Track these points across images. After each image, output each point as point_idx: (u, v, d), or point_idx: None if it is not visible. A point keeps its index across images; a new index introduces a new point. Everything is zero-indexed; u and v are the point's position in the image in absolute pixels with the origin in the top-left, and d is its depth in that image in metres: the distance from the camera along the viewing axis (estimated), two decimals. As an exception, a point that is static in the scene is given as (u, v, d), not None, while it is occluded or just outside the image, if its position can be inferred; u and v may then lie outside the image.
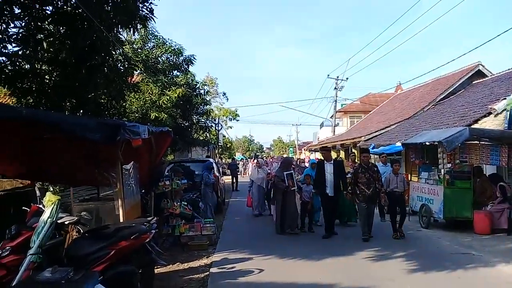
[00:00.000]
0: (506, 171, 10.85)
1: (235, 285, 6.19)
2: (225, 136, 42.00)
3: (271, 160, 21.50)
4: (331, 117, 36.27)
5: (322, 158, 10.35)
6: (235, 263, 7.42)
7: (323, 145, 11.52)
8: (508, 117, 10.75)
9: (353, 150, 19.23)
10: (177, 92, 13.43)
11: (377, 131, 21.18)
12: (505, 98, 12.18)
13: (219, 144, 25.60)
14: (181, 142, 15.48)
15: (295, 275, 6.60)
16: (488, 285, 5.87)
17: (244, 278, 6.52)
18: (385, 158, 12.21)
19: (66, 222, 5.83)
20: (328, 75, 33.16)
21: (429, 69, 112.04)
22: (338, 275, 6.51)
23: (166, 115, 12.93)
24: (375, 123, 25.40)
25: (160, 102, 12.94)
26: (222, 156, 41.54)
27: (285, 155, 29.79)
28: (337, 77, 33.11)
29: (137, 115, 12.64)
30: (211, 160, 16.45)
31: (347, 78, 33.27)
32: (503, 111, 11.80)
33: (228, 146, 43.78)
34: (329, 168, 9.64)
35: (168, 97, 13.13)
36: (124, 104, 10.46)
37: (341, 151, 23.46)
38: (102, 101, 8.80)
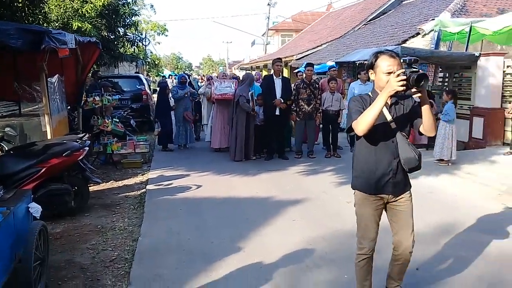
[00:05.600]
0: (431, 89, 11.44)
1: (173, 201, 6.19)
2: (152, 53, 40.04)
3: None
4: (263, 35, 35.73)
5: (271, 73, 9.25)
6: (171, 180, 7.39)
7: (277, 57, 10.04)
8: (435, 38, 11.15)
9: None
10: (102, 0, 12.27)
11: (308, 50, 21.27)
12: (433, 19, 12.52)
13: (147, 60, 24.31)
14: (107, 56, 14.47)
15: (233, 190, 6.73)
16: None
17: (182, 194, 6.54)
18: (367, 75, 10.39)
19: (-14, 139, 5.36)
20: (261, -10, 32.10)
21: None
22: (273, 189, 6.73)
23: (90, 26, 11.84)
24: (306, 42, 25.42)
25: (83, 10, 11.79)
26: (149, 73, 39.90)
27: (214, 74, 29.03)
28: (271, -8, 32.20)
29: (57, 24, 11.45)
30: (141, 76, 15.75)
31: (280, -6, 32.43)
32: (430, 31, 12.20)
33: (156, 63, 41.92)
34: (278, 85, 8.81)
35: (92, 5, 11.97)
36: (43, 11, 9.41)
37: (285, 69, 22.79)
38: (18, 5, 7.81)
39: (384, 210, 3.10)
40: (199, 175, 7.72)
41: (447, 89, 9.34)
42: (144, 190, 6.79)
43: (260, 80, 10.62)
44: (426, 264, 4.01)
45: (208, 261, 4.12)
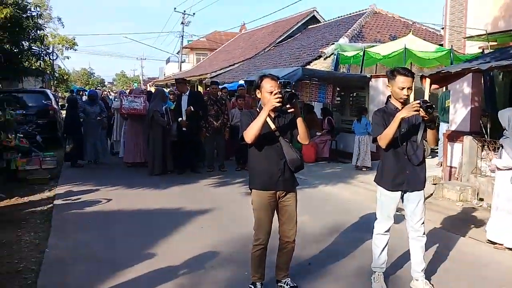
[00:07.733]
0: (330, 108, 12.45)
1: (82, 215, 6.20)
2: (61, 67, 38.32)
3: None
4: (177, 53, 35.90)
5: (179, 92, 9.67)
6: (80, 194, 7.35)
7: (178, 78, 10.54)
8: (335, 60, 12.24)
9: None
10: (4, 13, 11.74)
11: (222, 68, 21.92)
12: (333, 43, 13.73)
13: (55, 75, 23.24)
14: (10, 71, 13.80)
15: (143, 203, 6.86)
16: (311, 200, 6.98)
17: (91, 208, 6.56)
18: None
19: None
20: (175, 9, 32.47)
21: (273, 10, 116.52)
22: (184, 200, 6.97)
23: (-10, 39, 11.34)
24: (220, 61, 26.08)
25: (-17, 22, 11.24)
26: (58, 88, 38.03)
27: (127, 90, 28.02)
28: (184, 11, 32.64)
29: (-47, 36, 10.83)
30: (48, 90, 15.22)
31: (194, 13, 33.03)
32: (331, 54, 13.37)
33: (65, 78, 40.09)
34: (185, 101, 9.16)
35: (-8, 17, 11.44)
36: None
37: (200, 87, 23.39)
38: None
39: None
40: (109, 189, 7.74)
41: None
42: (51, 205, 6.69)
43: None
44: (318, 260, 4.54)
45: (116, 268, 4.27)
